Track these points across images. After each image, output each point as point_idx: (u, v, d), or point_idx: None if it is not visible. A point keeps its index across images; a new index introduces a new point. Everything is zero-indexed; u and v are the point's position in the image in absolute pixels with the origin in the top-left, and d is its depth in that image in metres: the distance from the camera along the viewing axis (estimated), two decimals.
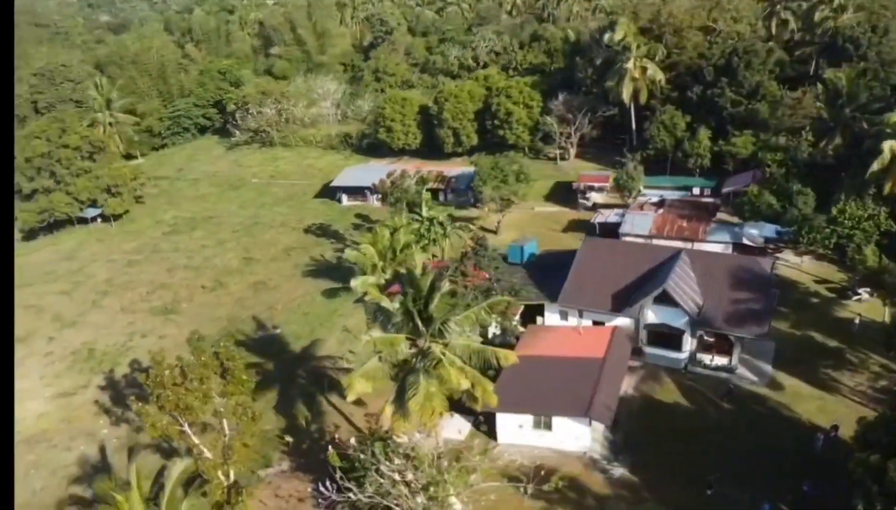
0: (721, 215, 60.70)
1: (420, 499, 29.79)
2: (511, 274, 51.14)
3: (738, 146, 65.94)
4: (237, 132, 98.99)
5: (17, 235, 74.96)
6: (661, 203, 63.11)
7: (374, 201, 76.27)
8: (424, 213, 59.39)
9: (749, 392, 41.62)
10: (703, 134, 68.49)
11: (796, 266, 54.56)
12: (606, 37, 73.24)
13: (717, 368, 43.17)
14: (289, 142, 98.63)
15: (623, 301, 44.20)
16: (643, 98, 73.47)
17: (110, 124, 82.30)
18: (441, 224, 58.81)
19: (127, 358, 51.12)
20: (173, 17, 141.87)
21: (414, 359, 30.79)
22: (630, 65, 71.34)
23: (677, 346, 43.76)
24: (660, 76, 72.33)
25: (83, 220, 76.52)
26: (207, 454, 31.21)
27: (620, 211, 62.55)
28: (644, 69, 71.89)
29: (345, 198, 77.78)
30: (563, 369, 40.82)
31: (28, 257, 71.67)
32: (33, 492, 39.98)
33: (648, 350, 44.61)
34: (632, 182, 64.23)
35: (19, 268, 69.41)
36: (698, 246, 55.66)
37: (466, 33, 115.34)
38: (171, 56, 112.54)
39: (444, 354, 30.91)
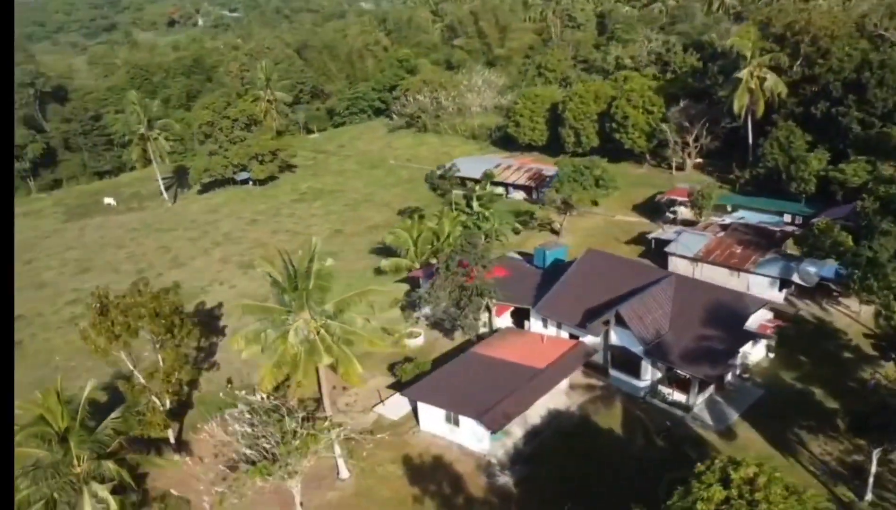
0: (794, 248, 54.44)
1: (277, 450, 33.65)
2: (522, 276, 51.88)
3: (847, 174, 58.04)
4: (394, 116, 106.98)
5: (195, 188, 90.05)
6: (727, 226, 58.04)
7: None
8: (475, 207, 61.52)
9: (693, 435, 38.71)
10: (814, 156, 61.07)
11: (853, 315, 47.80)
12: (725, 43, 67.95)
13: (673, 404, 40.54)
14: (438, 129, 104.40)
15: (590, 318, 43.15)
16: (759, 111, 67.05)
17: (268, 101, 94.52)
18: (487, 219, 60.51)
19: (197, 299, 60.53)
20: (373, 8, 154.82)
21: (291, 330, 34.39)
22: (744, 74, 65.55)
23: (636, 373, 41.81)
24: (781, 88, 65.44)
25: (239, 181, 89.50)
26: (141, 381, 37.94)
27: (689, 228, 58.88)
28: (762, 79, 65.57)
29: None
30: (497, 372, 41.38)
31: (187, 206, 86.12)
32: None
33: (612, 372, 43.16)
34: (702, 199, 59.76)
35: (178, 214, 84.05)
36: (745, 277, 51.32)
37: (632, 31, 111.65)
38: (360, 43, 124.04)
39: (317, 331, 34.29)
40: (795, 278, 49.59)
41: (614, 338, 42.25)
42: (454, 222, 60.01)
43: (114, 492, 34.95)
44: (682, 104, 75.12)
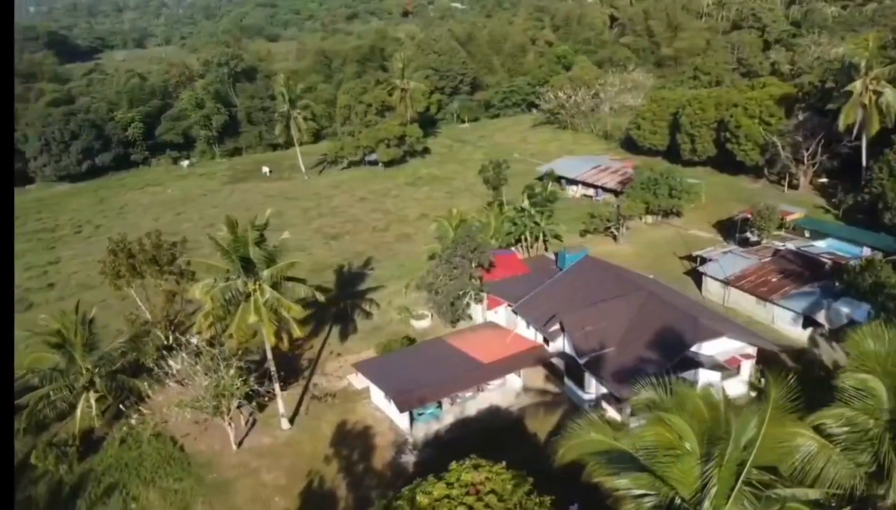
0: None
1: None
2: (539, 276, 51.87)
3: None
4: (534, 111, 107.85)
5: (341, 165, 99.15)
6: (777, 251, 52.39)
7: (575, 191, 78.59)
8: (525, 204, 62.00)
9: None
10: None
11: None
12: (835, 52, 60.51)
13: (607, 421, 39.19)
14: (576, 126, 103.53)
15: (546, 322, 42.88)
16: (871, 130, 58.91)
17: (403, 90, 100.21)
18: (531, 216, 60.76)
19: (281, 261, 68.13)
20: (547, 3, 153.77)
21: (219, 288, 39.11)
22: (856, 87, 58.01)
23: (582, 385, 40.97)
24: None
25: (367, 162, 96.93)
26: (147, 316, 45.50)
27: (740, 250, 54.43)
28: (877, 94, 57.58)
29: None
30: (443, 360, 42.95)
31: (317, 181, 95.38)
32: None
33: (566, 381, 42.63)
34: (761, 221, 54.39)
35: (308, 187, 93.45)
36: (770, 308, 46.99)
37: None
38: (524, 37, 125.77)
39: (254, 292, 38.87)
40: (820, 317, 44.36)
41: (566, 346, 41.72)
42: (499, 217, 61.18)
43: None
44: (799, 117, 68.00)
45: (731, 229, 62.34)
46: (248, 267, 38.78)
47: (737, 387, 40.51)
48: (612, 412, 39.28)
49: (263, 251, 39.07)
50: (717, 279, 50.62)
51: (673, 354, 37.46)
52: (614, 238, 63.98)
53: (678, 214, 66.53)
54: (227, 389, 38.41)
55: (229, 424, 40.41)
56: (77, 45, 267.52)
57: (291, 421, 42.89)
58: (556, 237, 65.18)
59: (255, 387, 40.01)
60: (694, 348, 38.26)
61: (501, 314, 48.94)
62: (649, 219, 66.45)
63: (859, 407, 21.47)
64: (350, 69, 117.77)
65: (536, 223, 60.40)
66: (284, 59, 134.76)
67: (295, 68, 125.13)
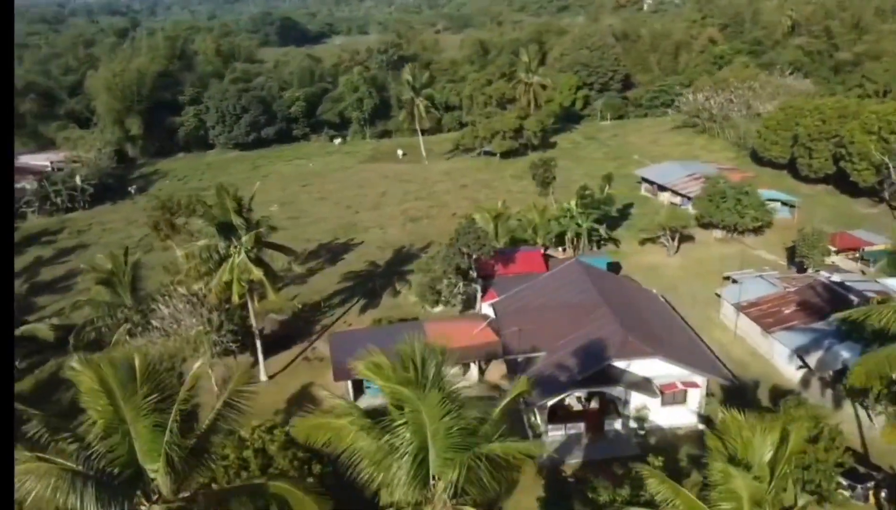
0: None
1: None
2: None
3: None
4: (669, 112, 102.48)
5: (471, 154, 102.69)
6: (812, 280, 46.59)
7: (664, 198, 74.86)
8: (570, 204, 61.12)
9: None
10: None
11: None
12: None
13: (531, 425, 39.08)
14: (713, 132, 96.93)
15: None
16: None
17: (527, 84, 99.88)
18: (573, 218, 59.78)
19: (355, 236, 73.76)
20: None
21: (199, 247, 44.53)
22: None
23: None
24: None
25: (483, 152, 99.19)
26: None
27: (772, 275, 49.60)
28: None
29: (644, 187, 78.10)
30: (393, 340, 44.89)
31: (432, 166, 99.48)
32: None
33: (511, 378, 42.79)
34: (806, 248, 48.59)
35: (422, 171, 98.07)
36: (771, 341, 42.98)
37: None
38: (682, 35, 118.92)
39: (235, 253, 43.95)
40: (812, 358, 39.83)
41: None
42: (543, 215, 60.96)
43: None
44: None
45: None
46: (227, 232, 43.85)
47: (684, 417, 38.25)
48: (538, 417, 39.05)
49: (242, 219, 43.85)
50: (729, 301, 46.90)
51: (588, 366, 36.45)
52: (677, 249, 60.76)
53: (755, 232, 61.25)
54: (199, 336, 43.97)
55: (211, 368, 46.20)
56: (307, 31, 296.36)
57: (272, 376, 47.77)
58: (612, 241, 63.59)
59: (222, 337, 44.99)
60: (623, 365, 36.83)
61: (485, 307, 49.77)
62: (718, 233, 61.93)
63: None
64: (502, 60, 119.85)
65: (578, 224, 59.37)
66: (448, 48, 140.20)
67: (454, 58, 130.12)
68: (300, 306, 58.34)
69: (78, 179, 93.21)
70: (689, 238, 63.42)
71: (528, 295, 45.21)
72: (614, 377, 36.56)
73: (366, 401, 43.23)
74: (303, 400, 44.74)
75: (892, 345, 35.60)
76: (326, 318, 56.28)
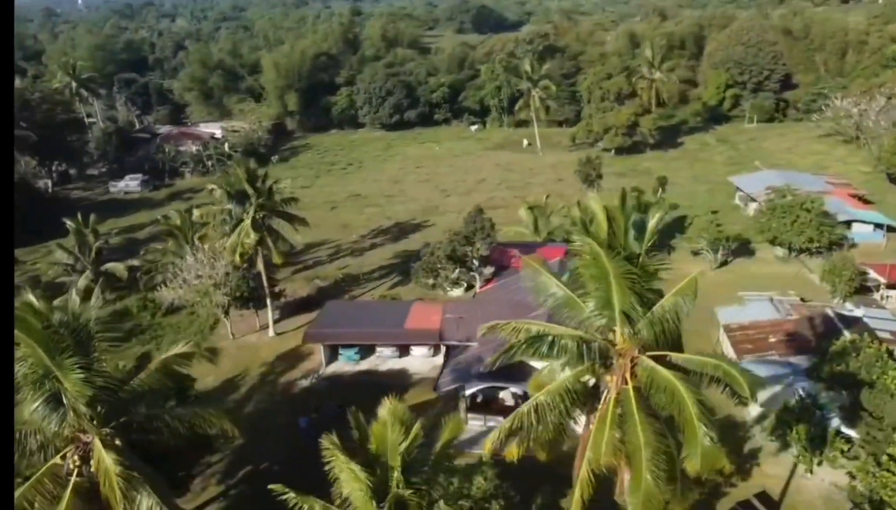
0: None
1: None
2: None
3: None
4: (814, 118, 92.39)
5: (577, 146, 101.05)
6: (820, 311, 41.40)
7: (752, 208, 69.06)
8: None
9: None
10: None
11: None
12: None
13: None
14: (860, 142, 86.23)
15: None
16: None
17: (651, 80, 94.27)
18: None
19: (436, 219, 76.89)
20: None
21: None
22: None
23: None
24: None
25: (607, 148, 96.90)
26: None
27: (784, 300, 44.95)
28: None
29: (738, 197, 72.24)
30: (387, 316, 47.70)
31: (544, 158, 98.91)
32: None
33: None
34: (829, 275, 43.03)
35: (529, 160, 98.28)
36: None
37: None
38: (857, 35, 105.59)
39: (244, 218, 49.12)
40: (765, 393, 36.31)
41: None
42: (587, 214, 59.49)
43: None
44: None
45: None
46: (241, 199, 49.08)
47: None
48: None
49: (253, 188, 48.78)
50: (721, 323, 43.67)
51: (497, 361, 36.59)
52: (724, 262, 56.69)
53: (821, 253, 55.11)
54: (214, 289, 49.78)
55: (226, 317, 52.26)
56: (503, 18, 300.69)
57: (281, 333, 52.68)
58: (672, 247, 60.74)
59: (233, 293, 50.32)
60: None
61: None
62: (779, 251, 56.46)
63: None
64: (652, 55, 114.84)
65: None
66: (603, 41, 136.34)
67: (604, 51, 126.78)
68: (341, 276, 62.93)
69: (226, 146, 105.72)
70: (749, 253, 58.66)
71: (502, 288, 45.60)
72: (526, 375, 36.37)
73: (336, 367, 46.80)
74: (289, 356, 49.22)
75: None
76: (359, 289, 60.19)
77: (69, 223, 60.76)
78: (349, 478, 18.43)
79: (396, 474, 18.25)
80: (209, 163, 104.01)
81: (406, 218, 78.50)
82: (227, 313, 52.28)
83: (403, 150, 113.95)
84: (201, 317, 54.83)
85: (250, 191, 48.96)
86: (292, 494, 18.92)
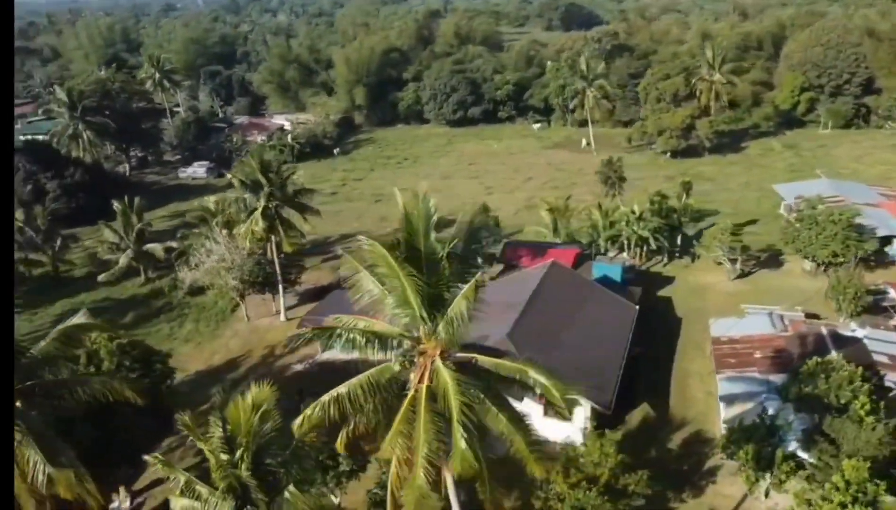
0: None
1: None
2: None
3: None
4: (887, 125, 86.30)
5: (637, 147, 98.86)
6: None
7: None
8: (634, 209, 57.90)
9: None
10: None
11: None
12: None
13: None
14: None
15: None
16: None
17: (710, 82, 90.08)
18: (629, 223, 56.70)
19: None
20: None
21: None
22: None
23: None
24: None
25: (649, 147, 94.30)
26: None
27: (785, 313, 42.84)
28: None
29: (784, 205, 68.70)
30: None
31: (598, 158, 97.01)
32: None
33: None
34: (833, 292, 40.50)
35: (580, 161, 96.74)
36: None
37: None
38: None
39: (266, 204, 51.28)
40: (733, 410, 35.09)
41: None
42: (606, 217, 58.59)
43: None
44: None
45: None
46: (255, 188, 51.32)
47: (569, 433, 36.75)
48: None
49: (266, 179, 50.86)
50: (711, 335, 42.20)
51: None
52: (745, 273, 54.49)
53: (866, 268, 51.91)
54: (226, 272, 52.34)
55: (241, 300, 54.83)
56: (594, 15, 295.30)
57: (291, 319, 54.73)
58: (674, 254, 59.10)
59: (245, 276, 52.65)
60: None
61: None
62: (807, 264, 53.59)
63: None
64: (728, 55, 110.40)
65: (634, 231, 56.19)
66: (682, 40, 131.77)
67: (676, 51, 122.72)
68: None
69: (289, 138, 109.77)
70: (778, 264, 56.05)
71: (493, 286, 45.62)
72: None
73: (331, 354, 48.08)
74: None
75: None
76: None
77: (116, 205, 65.13)
78: (208, 454, 19.59)
79: (245, 455, 19.24)
80: (271, 153, 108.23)
81: (443, 213, 78.82)
82: (242, 296, 54.82)
83: (462, 146, 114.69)
84: (224, 299, 57.71)
85: (263, 181, 51.14)
86: (160, 465, 20.22)
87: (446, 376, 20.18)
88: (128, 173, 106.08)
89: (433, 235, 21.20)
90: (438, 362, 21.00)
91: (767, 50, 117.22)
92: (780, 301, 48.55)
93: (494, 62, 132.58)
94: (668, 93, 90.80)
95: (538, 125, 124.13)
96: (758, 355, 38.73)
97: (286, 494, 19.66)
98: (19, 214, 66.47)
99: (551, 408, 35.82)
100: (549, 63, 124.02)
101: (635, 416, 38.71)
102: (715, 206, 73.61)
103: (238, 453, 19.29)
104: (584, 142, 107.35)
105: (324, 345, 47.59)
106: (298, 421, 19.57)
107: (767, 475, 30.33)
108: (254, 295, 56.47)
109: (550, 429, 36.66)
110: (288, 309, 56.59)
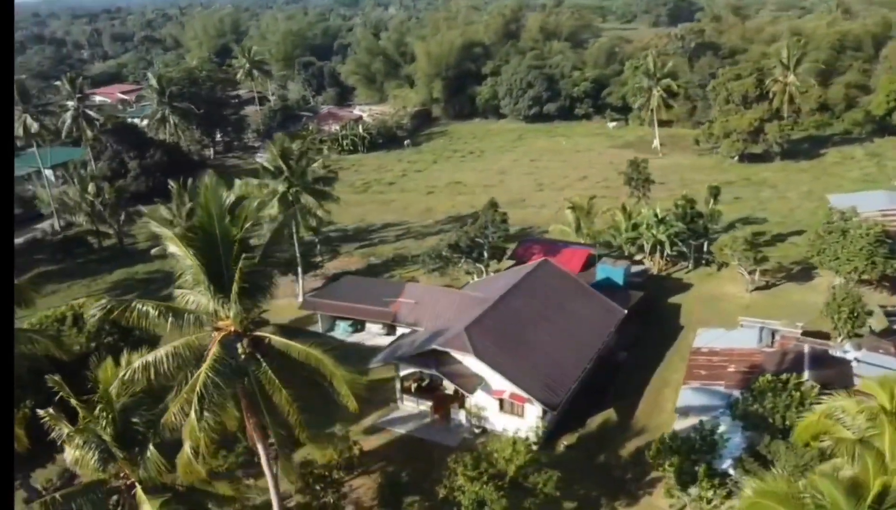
0: None
1: None
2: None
3: None
4: None
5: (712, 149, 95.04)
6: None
7: None
8: (656, 212, 56.36)
9: None
10: None
11: None
12: None
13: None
14: None
15: None
16: None
17: (784, 83, 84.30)
18: (648, 227, 55.22)
19: (514, 212, 76.97)
20: None
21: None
22: None
23: None
24: None
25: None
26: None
27: (781, 329, 40.66)
28: None
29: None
30: (387, 296, 49.93)
31: (665, 160, 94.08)
32: None
33: None
34: (831, 312, 37.86)
35: (651, 162, 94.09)
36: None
37: None
38: None
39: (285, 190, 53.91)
40: (686, 422, 34.07)
41: None
42: (629, 219, 57.31)
43: None
44: None
45: None
46: (277, 175, 53.97)
47: (522, 431, 36.88)
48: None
49: (286, 165, 53.36)
50: (693, 345, 40.83)
51: (420, 346, 37.91)
52: (765, 285, 51.95)
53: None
54: None
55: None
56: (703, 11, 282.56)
57: None
58: (714, 261, 56.88)
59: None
60: (468, 362, 37.00)
61: None
62: (837, 281, 50.24)
63: None
64: (818, 56, 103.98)
65: (653, 234, 54.72)
66: (772, 38, 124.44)
67: (767, 51, 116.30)
68: (391, 255, 66.35)
69: (360, 128, 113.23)
70: (808, 278, 52.97)
71: (486, 281, 46.14)
72: (442, 363, 37.30)
73: (330, 336, 50.24)
74: (300, 320, 53.58)
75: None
76: (402, 270, 63.11)
77: (172, 185, 70.07)
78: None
79: (106, 412, 21.18)
80: (344, 142, 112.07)
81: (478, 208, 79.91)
82: None
83: (532, 142, 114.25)
84: None
85: (283, 167, 53.71)
86: (47, 418, 22.48)
87: (212, 353, 21.10)
88: (212, 156, 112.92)
89: (227, 219, 21.99)
90: (217, 340, 21.91)
91: (867, 51, 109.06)
92: (793, 316, 46.05)
93: (575, 58, 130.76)
94: (738, 93, 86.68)
95: (614, 124, 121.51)
96: (731, 369, 37.23)
97: (147, 453, 21.40)
98: (92, 188, 72.91)
99: (507, 404, 36.49)
100: (627, 61, 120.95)
101: (597, 420, 38.23)
102: (765, 215, 70.11)
103: (98, 409, 21.23)
104: (655, 142, 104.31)
105: (324, 327, 50.20)
106: (115, 383, 21.09)
107: (692, 490, 29.42)
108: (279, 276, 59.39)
109: (505, 423, 37.14)
110: (311, 291, 59.13)
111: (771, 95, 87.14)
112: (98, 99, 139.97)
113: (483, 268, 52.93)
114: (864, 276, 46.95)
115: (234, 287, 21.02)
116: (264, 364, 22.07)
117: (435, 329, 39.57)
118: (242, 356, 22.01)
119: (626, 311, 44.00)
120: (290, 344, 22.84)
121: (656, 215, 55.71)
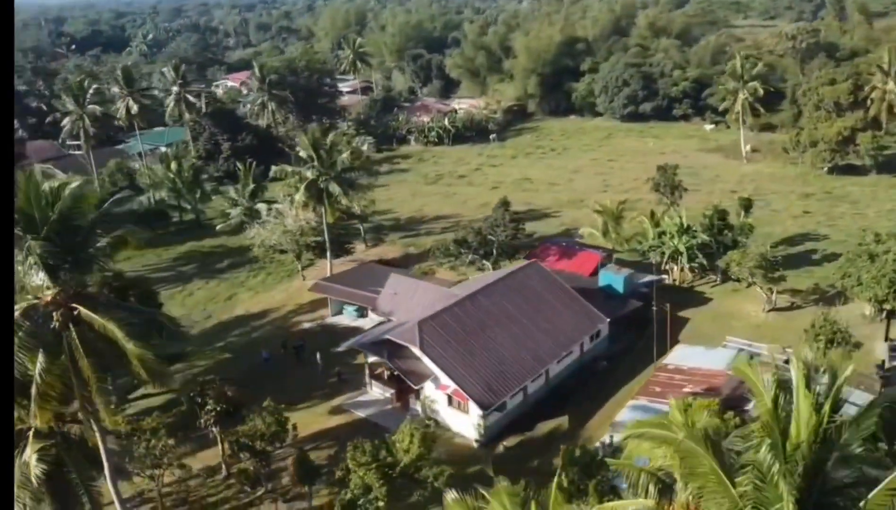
0: None
1: None
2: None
3: None
4: None
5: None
6: None
7: None
8: (680, 220, 54.24)
9: None
10: None
11: None
12: None
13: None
14: None
15: None
16: None
17: (883, 90, 75.81)
18: (671, 237, 53.26)
19: (564, 210, 76.81)
20: None
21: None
22: None
23: None
24: None
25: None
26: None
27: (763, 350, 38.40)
28: None
29: None
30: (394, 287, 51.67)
31: (745, 168, 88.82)
32: None
33: None
34: (811, 332, 34.98)
35: (719, 168, 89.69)
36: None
37: None
38: None
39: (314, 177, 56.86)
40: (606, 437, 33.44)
41: None
42: (656, 226, 55.52)
43: None
44: None
45: None
46: (308, 163, 57.08)
47: (465, 427, 37.67)
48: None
49: (316, 155, 56.25)
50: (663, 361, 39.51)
51: (379, 336, 39.41)
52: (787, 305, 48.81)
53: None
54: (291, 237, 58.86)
55: (298, 260, 61.18)
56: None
57: None
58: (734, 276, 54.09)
59: (303, 240, 58.77)
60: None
61: None
62: (867, 309, 46.26)
63: None
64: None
65: (674, 244, 52.74)
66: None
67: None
68: (429, 247, 67.89)
69: (446, 121, 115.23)
70: (835, 303, 49.09)
71: (476, 279, 46.75)
72: (398, 354, 38.61)
73: (337, 319, 52.71)
74: (317, 302, 56.48)
75: None
76: (426, 262, 64.48)
77: (239, 168, 75.45)
78: None
79: None
80: (431, 134, 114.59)
81: (542, 206, 79.56)
82: (298, 257, 61.27)
83: (619, 141, 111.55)
84: (302, 260, 64.32)
85: (314, 156, 56.66)
86: None
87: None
88: None
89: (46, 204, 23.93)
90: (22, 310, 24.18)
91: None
92: (795, 341, 43.19)
93: (679, 57, 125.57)
94: (830, 99, 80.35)
95: (712, 126, 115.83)
96: (686, 389, 35.79)
97: None
98: (174, 166, 79.84)
99: (454, 400, 37.45)
100: (728, 62, 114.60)
101: (547, 425, 38.12)
102: (830, 232, 65.11)
103: None
104: (747, 148, 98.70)
105: (333, 310, 52.75)
106: None
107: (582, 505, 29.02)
108: (315, 258, 62.82)
109: (451, 419, 38.04)
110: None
111: (868, 103, 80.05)
112: (229, 84, 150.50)
113: (490, 266, 53.37)
114: (886, 306, 42.94)
115: (31, 260, 23.27)
116: (74, 333, 24.16)
117: (403, 321, 40.93)
118: (56, 325, 24.33)
119: (608, 320, 43.14)
120: (93, 317, 24.73)
121: (680, 224, 53.59)
